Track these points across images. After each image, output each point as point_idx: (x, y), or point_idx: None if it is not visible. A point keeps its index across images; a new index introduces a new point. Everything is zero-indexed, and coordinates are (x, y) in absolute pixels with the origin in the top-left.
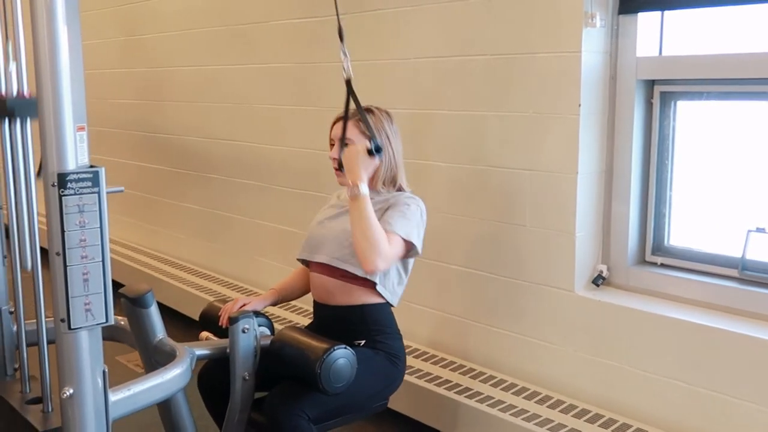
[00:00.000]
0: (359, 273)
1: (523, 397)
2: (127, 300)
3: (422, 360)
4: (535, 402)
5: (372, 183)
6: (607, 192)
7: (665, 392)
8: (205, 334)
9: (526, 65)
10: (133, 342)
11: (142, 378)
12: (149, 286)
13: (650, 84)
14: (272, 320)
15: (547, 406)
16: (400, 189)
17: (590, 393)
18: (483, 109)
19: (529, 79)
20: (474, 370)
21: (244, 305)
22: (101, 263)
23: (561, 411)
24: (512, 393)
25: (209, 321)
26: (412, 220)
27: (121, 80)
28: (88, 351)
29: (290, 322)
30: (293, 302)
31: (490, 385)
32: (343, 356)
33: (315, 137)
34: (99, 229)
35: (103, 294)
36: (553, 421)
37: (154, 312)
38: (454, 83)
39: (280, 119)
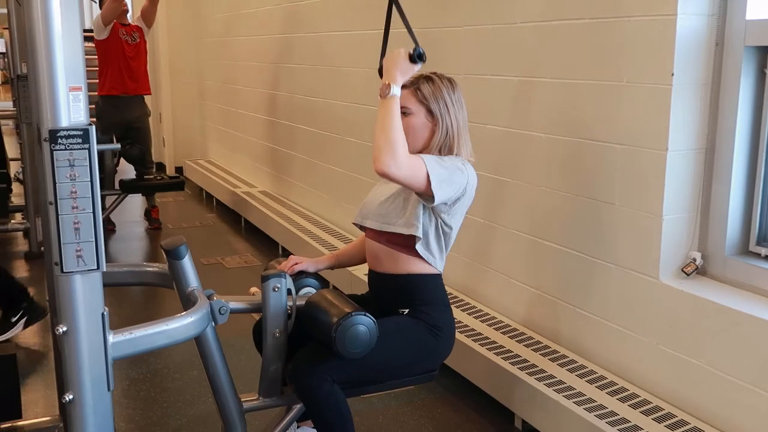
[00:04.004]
0: (400, 230)
1: (597, 386)
2: (164, 250)
3: (513, 339)
4: (607, 393)
5: (426, 149)
6: (708, 172)
7: (750, 402)
8: (254, 289)
9: (622, 29)
10: None
11: (147, 324)
12: (184, 239)
13: (763, 51)
14: None
15: (619, 399)
16: None
17: (668, 390)
18: (580, 77)
19: (623, 45)
20: (557, 352)
21: (296, 264)
22: (92, 214)
23: (631, 405)
24: (587, 381)
25: None
26: (447, 169)
27: (285, 45)
28: (81, 294)
29: None
30: None
31: (569, 369)
32: (361, 323)
33: None
34: (89, 182)
35: (94, 242)
36: (621, 416)
37: (187, 263)
38: (555, 49)
39: None
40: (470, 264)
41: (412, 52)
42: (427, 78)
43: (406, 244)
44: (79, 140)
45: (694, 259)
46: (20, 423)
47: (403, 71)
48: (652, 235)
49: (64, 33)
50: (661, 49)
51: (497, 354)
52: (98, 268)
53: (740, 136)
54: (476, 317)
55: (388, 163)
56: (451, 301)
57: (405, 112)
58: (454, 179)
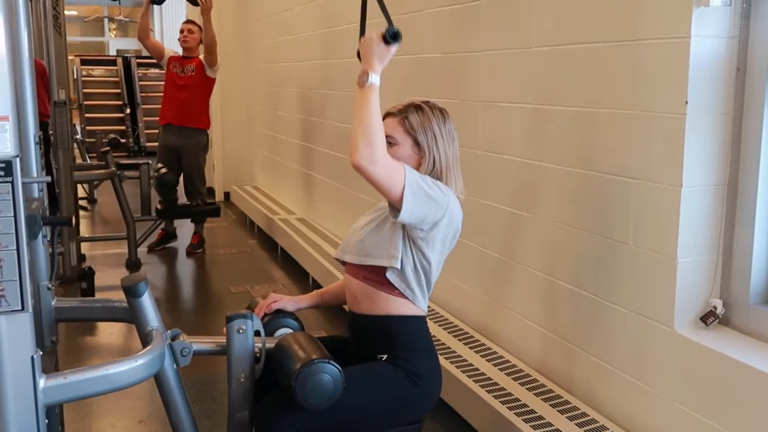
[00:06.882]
0: (379, 263)
1: None
2: (122, 288)
3: (523, 385)
4: None
5: None
6: (729, 210)
7: None
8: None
9: (636, 54)
10: None
11: (84, 368)
12: (144, 276)
13: None
14: None
15: None
16: None
17: None
18: (593, 106)
19: (637, 71)
20: (569, 402)
21: (274, 302)
22: (15, 252)
23: None
24: None
25: None
26: (427, 185)
27: (320, 72)
28: (6, 336)
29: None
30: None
31: (578, 423)
32: (324, 372)
33: (459, 133)
34: (13, 218)
35: (18, 282)
36: None
37: (146, 302)
38: (569, 75)
39: None
40: (486, 301)
41: (384, 32)
42: (417, 107)
43: (384, 281)
44: (1, 173)
45: (715, 307)
46: None
47: (380, 56)
48: (667, 279)
49: None
50: (674, 75)
51: (503, 403)
52: (23, 309)
53: (765, 170)
54: (489, 359)
55: (365, 157)
56: (464, 340)
57: (390, 142)
58: (432, 196)
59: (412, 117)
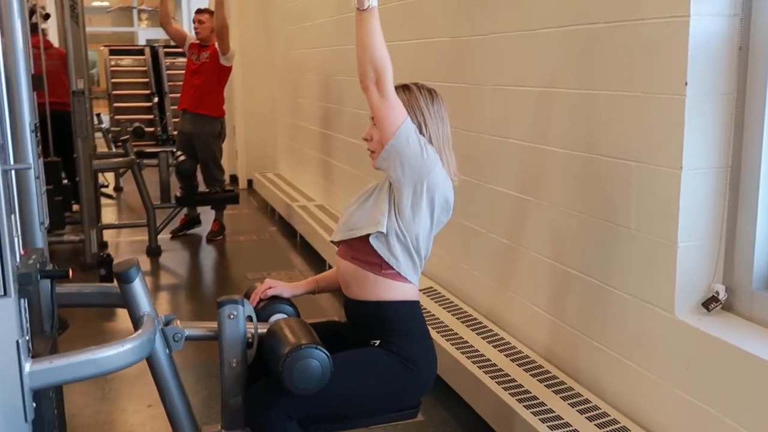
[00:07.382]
0: (365, 231)
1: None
2: (114, 274)
3: (528, 372)
4: None
5: None
6: (732, 194)
7: None
8: None
9: (636, 34)
10: None
11: (71, 352)
12: (135, 261)
13: None
14: None
15: None
16: None
17: None
18: (596, 88)
19: (638, 51)
20: (572, 389)
21: (270, 288)
22: None
23: None
24: (598, 424)
25: None
26: (420, 144)
27: (337, 58)
28: None
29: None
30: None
31: (580, 410)
32: (312, 357)
33: (468, 118)
34: None
35: None
36: None
37: (137, 287)
38: (572, 57)
39: None
40: (493, 286)
41: None
42: (404, 87)
43: (372, 261)
44: None
45: (717, 293)
46: None
47: None
48: (667, 264)
49: None
50: (674, 55)
51: (506, 389)
52: (5, 294)
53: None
54: (496, 346)
55: (372, 81)
56: (473, 326)
57: None
58: (422, 147)
59: (399, 96)
